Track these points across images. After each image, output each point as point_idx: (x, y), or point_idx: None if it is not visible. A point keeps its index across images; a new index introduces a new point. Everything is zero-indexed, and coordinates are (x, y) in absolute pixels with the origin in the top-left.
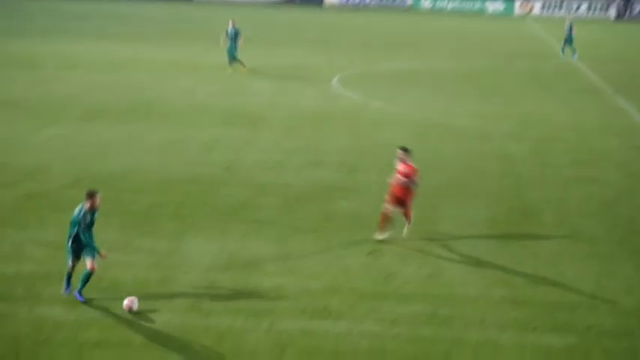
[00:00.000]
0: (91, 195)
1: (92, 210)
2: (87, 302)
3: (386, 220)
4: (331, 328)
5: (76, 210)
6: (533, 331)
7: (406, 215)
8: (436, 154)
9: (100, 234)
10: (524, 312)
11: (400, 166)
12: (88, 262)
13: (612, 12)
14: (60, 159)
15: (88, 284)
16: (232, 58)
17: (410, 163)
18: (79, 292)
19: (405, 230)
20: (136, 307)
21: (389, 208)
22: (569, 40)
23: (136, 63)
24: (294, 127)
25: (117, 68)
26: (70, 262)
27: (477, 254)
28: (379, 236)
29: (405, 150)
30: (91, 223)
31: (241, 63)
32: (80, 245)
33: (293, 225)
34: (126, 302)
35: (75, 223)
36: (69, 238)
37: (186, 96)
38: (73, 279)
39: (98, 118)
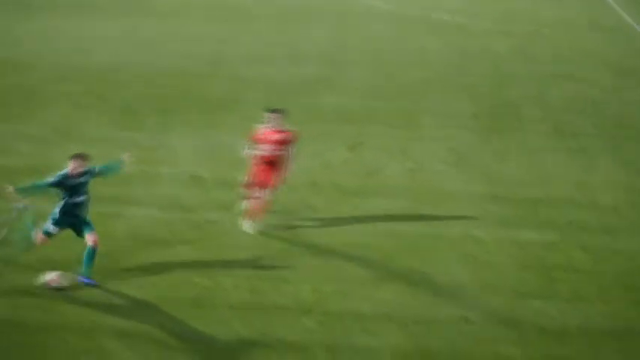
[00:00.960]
0: (83, 157)
1: (72, 176)
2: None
3: (259, 207)
4: (313, 223)
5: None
6: (514, 227)
7: (258, 204)
8: (421, 50)
9: (84, 128)
10: (505, 208)
11: (269, 134)
12: (90, 237)
13: None
14: (47, 52)
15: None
16: None
17: (284, 129)
18: (87, 275)
19: (249, 225)
20: (59, 283)
21: (254, 192)
22: None
23: None
24: (279, 21)
25: None
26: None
27: (459, 150)
28: (250, 227)
29: (276, 112)
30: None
31: None
32: (77, 218)
33: None
34: (48, 281)
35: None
36: (65, 209)
37: None
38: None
39: (87, 12)
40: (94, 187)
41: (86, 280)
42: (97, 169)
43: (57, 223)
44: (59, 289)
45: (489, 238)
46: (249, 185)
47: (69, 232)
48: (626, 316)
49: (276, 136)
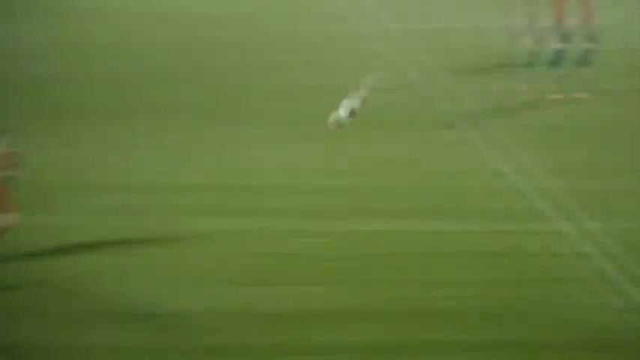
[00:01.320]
0: None
1: None
2: None
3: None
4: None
5: None
6: (228, 216)
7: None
8: (143, 42)
9: None
10: (223, 197)
11: None
12: None
13: None
14: None
15: None
16: None
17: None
18: None
19: None
20: None
21: None
22: None
23: None
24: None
25: None
26: None
27: (184, 141)
28: None
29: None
30: None
31: None
32: None
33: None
34: None
35: None
36: None
37: None
38: None
39: None
40: None
41: None
42: None
43: None
44: None
45: (210, 229)
46: None
47: None
48: (340, 297)
49: None
